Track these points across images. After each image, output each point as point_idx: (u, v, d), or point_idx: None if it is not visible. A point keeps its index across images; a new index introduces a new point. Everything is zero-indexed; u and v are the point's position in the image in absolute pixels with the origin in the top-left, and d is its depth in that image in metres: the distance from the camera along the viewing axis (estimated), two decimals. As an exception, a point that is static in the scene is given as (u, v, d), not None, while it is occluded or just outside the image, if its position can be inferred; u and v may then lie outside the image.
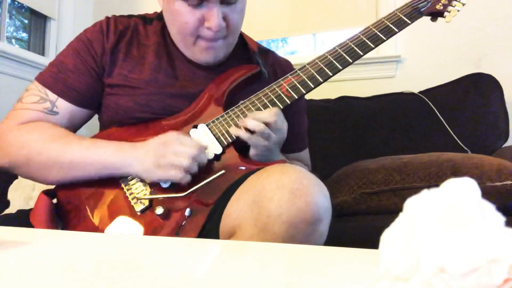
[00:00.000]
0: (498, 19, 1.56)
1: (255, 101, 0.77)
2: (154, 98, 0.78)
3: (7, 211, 1.20)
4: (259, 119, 0.72)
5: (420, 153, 1.12)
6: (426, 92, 1.47)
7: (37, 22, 2.09)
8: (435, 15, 0.86)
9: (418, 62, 1.68)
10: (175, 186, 0.70)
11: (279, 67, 0.91)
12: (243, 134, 0.72)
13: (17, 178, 1.28)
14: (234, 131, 0.73)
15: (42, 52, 2.07)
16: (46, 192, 0.75)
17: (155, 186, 0.71)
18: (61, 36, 2.10)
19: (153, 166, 0.68)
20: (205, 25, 0.75)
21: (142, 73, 0.79)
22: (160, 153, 0.68)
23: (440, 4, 0.84)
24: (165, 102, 0.78)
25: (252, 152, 0.75)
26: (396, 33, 0.80)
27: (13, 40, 2.12)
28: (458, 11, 0.84)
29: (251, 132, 0.72)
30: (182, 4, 0.74)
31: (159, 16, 0.87)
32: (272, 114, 0.72)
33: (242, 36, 0.89)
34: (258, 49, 0.90)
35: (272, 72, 0.89)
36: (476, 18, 1.57)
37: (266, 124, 0.72)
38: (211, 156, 0.73)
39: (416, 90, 1.48)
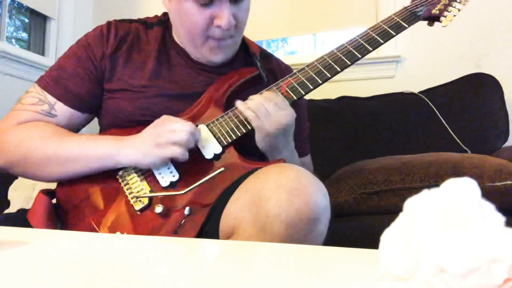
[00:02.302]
0: (498, 19, 1.56)
1: None
2: (154, 101, 0.78)
3: (7, 211, 1.20)
4: (258, 98, 0.74)
5: (420, 153, 1.12)
6: (426, 92, 1.47)
7: (37, 22, 2.09)
8: (432, 19, 0.88)
9: (418, 62, 1.68)
10: (175, 185, 0.70)
11: (280, 72, 0.91)
12: (250, 114, 0.73)
13: (17, 178, 1.28)
14: (240, 106, 0.75)
15: (42, 52, 2.07)
16: (44, 192, 0.75)
17: (154, 184, 0.71)
18: (61, 36, 2.09)
19: (152, 147, 0.68)
20: (214, 24, 0.75)
21: (143, 79, 0.79)
22: (157, 133, 0.69)
23: (436, 9, 0.86)
24: (165, 104, 0.78)
25: (257, 136, 0.75)
26: (393, 36, 0.82)
27: (13, 40, 2.11)
28: (454, 16, 0.85)
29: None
30: (191, 4, 0.74)
31: (160, 21, 0.87)
32: (270, 93, 0.75)
33: (243, 39, 0.89)
34: (260, 53, 0.90)
35: (273, 77, 0.88)
36: (476, 18, 1.57)
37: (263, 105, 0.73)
38: (211, 155, 0.73)
39: (416, 90, 1.48)
